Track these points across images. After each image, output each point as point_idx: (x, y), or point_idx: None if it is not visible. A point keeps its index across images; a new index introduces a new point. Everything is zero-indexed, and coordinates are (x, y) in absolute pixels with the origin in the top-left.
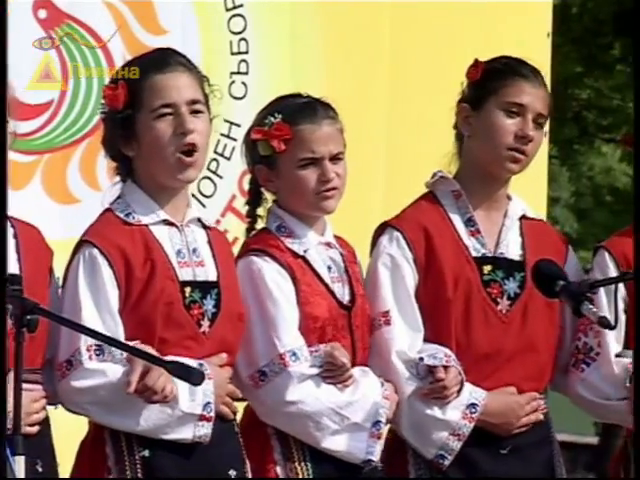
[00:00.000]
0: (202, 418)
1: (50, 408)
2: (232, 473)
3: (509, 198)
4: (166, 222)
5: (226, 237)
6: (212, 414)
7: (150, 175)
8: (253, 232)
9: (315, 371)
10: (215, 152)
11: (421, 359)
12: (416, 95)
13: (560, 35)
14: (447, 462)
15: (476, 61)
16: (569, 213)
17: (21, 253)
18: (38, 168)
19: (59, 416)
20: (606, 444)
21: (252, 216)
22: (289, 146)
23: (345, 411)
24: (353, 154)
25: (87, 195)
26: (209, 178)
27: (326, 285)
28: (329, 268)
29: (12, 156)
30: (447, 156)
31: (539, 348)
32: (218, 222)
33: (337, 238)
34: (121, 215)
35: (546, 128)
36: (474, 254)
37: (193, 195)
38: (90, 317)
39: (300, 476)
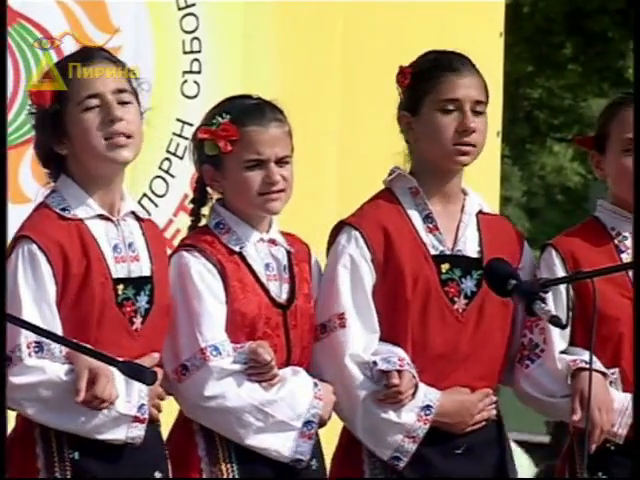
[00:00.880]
0: (136, 419)
1: None
2: (157, 475)
3: (465, 193)
4: (102, 217)
5: (158, 227)
6: (146, 416)
7: (84, 169)
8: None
9: (238, 367)
10: (167, 151)
11: (375, 363)
12: (368, 95)
13: (512, 34)
14: (402, 464)
15: (401, 68)
16: (521, 212)
17: None
18: None
19: None
20: (557, 443)
21: (196, 214)
22: (235, 147)
23: (268, 408)
24: (306, 153)
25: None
26: (162, 177)
27: (260, 283)
28: (267, 266)
29: None
30: (401, 154)
31: (494, 346)
32: (171, 221)
33: (289, 236)
34: (57, 209)
35: (498, 127)
36: (432, 252)
37: (145, 195)
38: (30, 313)
39: (225, 475)
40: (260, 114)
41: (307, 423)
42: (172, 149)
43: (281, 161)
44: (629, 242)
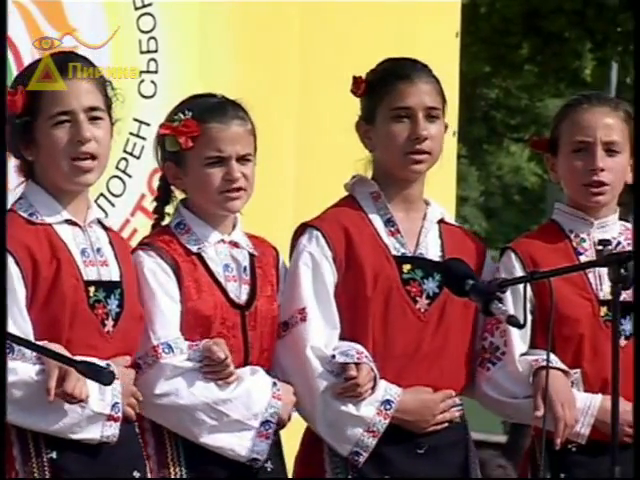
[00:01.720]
0: (110, 418)
1: None
2: (136, 474)
3: (427, 203)
4: (69, 222)
5: (124, 239)
6: (120, 414)
7: (49, 178)
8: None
9: (192, 365)
10: (124, 151)
11: (333, 356)
12: (326, 96)
13: (469, 35)
14: (362, 459)
15: (354, 78)
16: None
17: None
18: None
19: None
20: (514, 443)
21: (159, 213)
22: (197, 144)
23: (222, 407)
24: (263, 154)
25: None
26: (118, 177)
27: (218, 283)
28: (226, 266)
29: None
30: (362, 161)
31: (455, 347)
32: (128, 221)
33: (256, 238)
34: (24, 215)
35: (455, 127)
36: (394, 253)
37: (102, 194)
38: None
39: (172, 475)
40: (222, 111)
41: (265, 423)
42: (129, 149)
43: (243, 159)
44: (587, 244)
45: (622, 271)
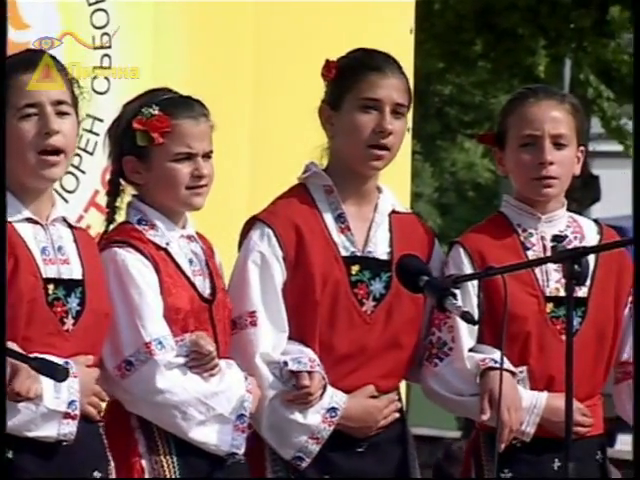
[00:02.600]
0: (67, 416)
1: None
2: (96, 474)
3: (380, 190)
4: (30, 220)
5: (91, 236)
6: (77, 412)
7: (14, 175)
8: (113, 224)
9: (181, 360)
10: (78, 147)
11: (285, 363)
12: (280, 94)
13: (422, 31)
14: (304, 464)
15: (327, 61)
16: (432, 208)
17: None
18: None
19: None
20: (468, 438)
21: (112, 207)
22: (165, 139)
23: (211, 401)
24: (217, 152)
25: None
26: (72, 173)
27: (187, 278)
28: (190, 261)
29: None
30: (318, 149)
31: (402, 346)
32: (81, 217)
33: (196, 233)
34: None
35: (409, 124)
36: (343, 253)
37: (55, 191)
38: None
39: (165, 469)
40: (190, 108)
41: (240, 416)
42: (82, 145)
43: (206, 156)
44: (534, 239)
45: (576, 267)
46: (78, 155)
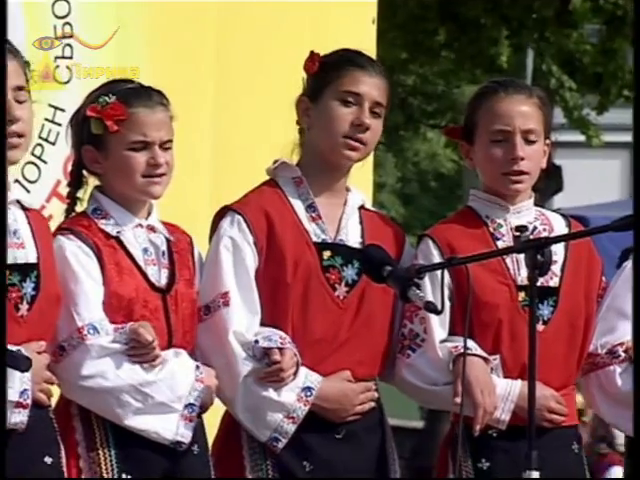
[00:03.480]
0: (18, 405)
1: None
2: (48, 460)
3: (348, 190)
4: None
5: (45, 219)
6: (29, 401)
7: None
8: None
9: (118, 347)
10: (40, 137)
11: (256, 341)
12: (242, 90)
13: (385, 21)
14: (281, 445)
15: (312, 53)
16: (395, 198)
17: None
18: None
19: None
20: (431, 428)
21: (72, 198)
22: (121, 127)
23: (147, 389)
24: (180, 149)
25: None
26: (33, 163)
27: (138, 266)
28: (145, 250)
29: None
30: (289, 145)
31: (374, 333)
32: (43, 207)
33: (171, 225)
34: None
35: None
36: (314, 239)
37: (17, 180)
38: None
39: (102, 460)
40: (147, 96)
41: (188, 405)
42: (44, 135)
43: (164, 145)
44: (504, 229)
45: (539, 257)
46: (40, 145)
